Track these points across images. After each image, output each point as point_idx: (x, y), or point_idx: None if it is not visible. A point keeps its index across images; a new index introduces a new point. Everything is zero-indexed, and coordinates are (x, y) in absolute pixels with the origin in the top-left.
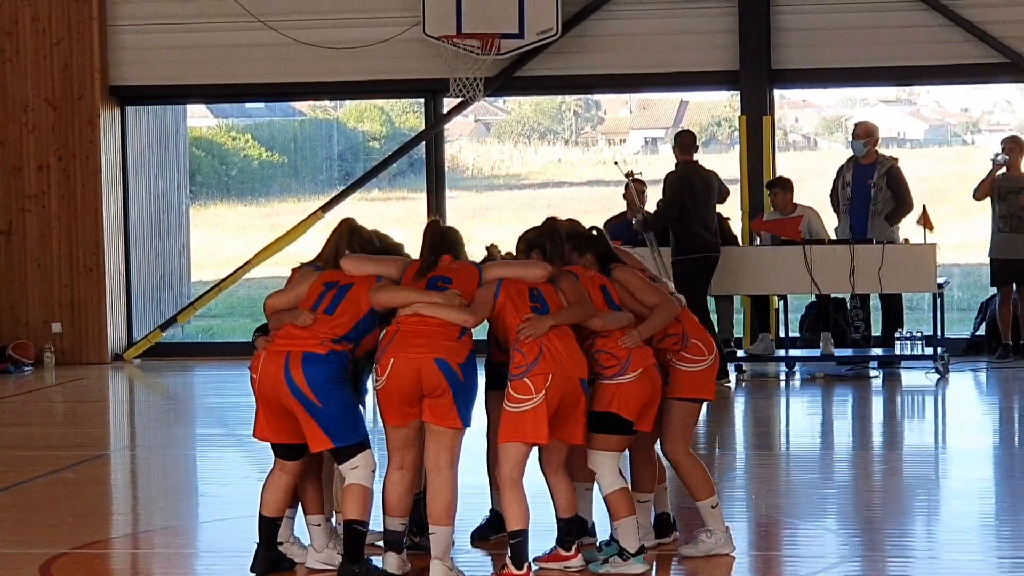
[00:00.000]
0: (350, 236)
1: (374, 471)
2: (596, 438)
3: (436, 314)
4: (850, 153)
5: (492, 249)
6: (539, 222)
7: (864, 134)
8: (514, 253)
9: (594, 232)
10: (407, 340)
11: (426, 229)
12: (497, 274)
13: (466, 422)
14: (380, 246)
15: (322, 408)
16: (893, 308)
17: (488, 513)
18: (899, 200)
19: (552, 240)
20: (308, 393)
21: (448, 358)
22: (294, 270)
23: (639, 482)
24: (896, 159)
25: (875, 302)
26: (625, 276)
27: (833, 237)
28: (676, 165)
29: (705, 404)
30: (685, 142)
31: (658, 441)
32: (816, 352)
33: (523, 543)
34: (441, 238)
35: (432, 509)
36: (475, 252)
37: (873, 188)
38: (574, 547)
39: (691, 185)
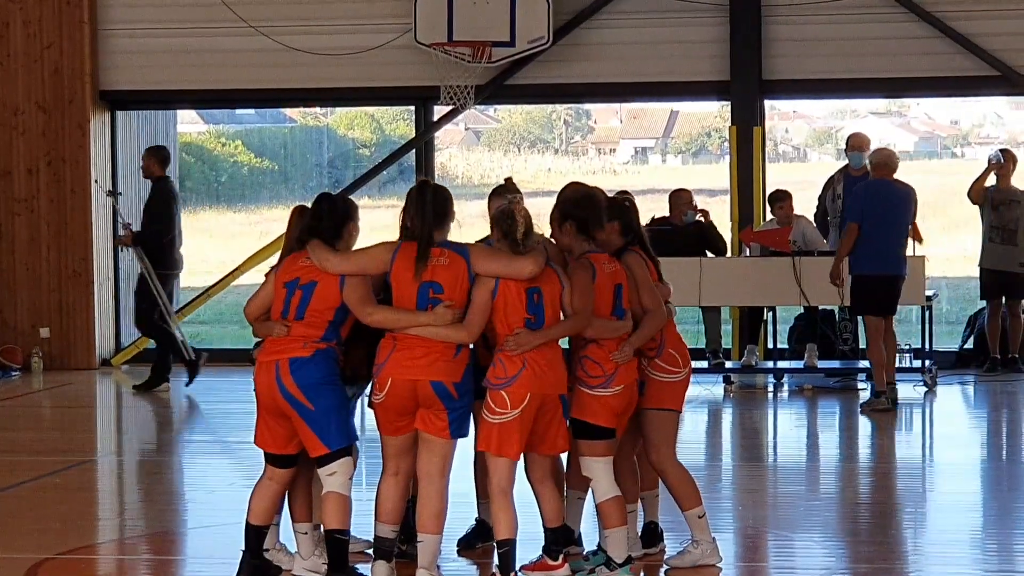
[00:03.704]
0: (300, 220)
1: (351, 478)
2: (581, 445)
3: (431, 336)
4: (839, 165)
5: (508, 182)
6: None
7: (862, 146)
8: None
9: (626, 203)
10: (403, 361)
11: (413, 193)
12: (487, 270)
13: (457, 435)
14: (331, 222)
15: (313, 410)
16: None
17: (474, 521)
18: None
19: (591, 211)
20: (299, 396)
21: (444, 379)
22: (267, 274)
23: (622, 491)
24: None
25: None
26: (633, 262)
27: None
28: (159, 182)
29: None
30: (163, 156)
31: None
32: (799, 364)
33: (511, 552)
34: (432, 208)
35: (421, 517)
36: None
37: None
38: (561, 556)
39: (177, 200)
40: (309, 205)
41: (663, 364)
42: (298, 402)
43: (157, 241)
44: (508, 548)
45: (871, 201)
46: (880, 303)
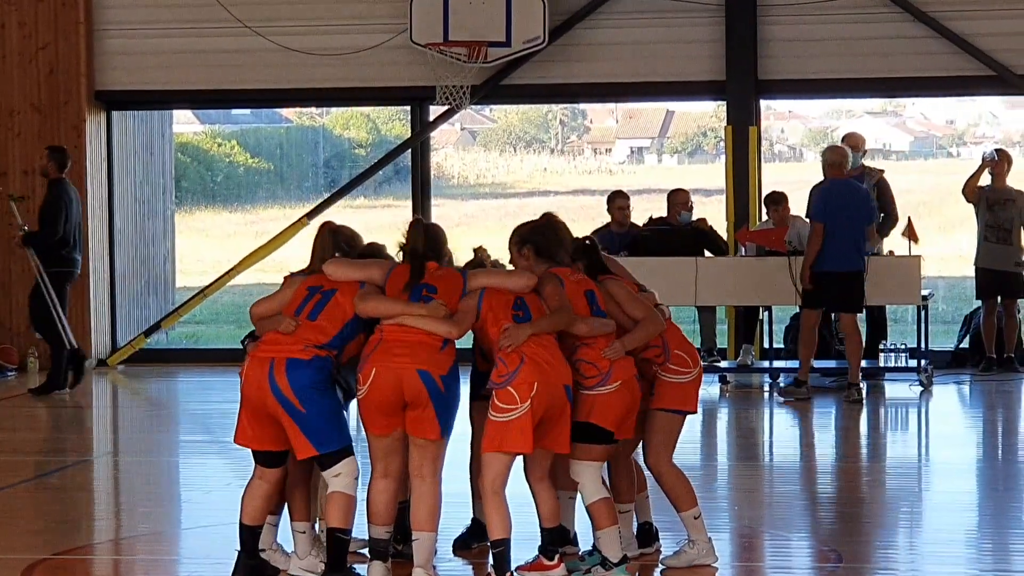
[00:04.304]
0: (333, 238)
1: (357, 478)
2: (577, 448)
3: (420, 326)
4: None
5: (479, 251)
6: None
7: (858, 146)
8: (501, 260)
9: (587, 242)
10: (390, 350)
11: (409, 229)
12: (481, 283)
13: (447, 433)
14: (364, 247)
15: (305, 414)
16: (877, 320)
17: (470, 522)
18: (888, 212)
19: (548, 236)
20: (292, 398)
21: (430, 369)
22: (286, 278)
23: (618, 492)
24: (883, 171)
25: (859, 314)
26: (614, 289)
27: None
28: (53, 184)
29: (697, 414)
30: (63, 160)
31: (638, 451)
32: (796, 363)
33: (505, 552)
34: (425, 239)
35: (416, 515)
36: (461, 259)
37: None
38: (557, 556)
39: (71, 201)
40: (337, 224)
41: (672, 366)
42: (290, 403)
43: (47, 243)
44: (503, 548)
45: (832, 200)
46: (838, 299)
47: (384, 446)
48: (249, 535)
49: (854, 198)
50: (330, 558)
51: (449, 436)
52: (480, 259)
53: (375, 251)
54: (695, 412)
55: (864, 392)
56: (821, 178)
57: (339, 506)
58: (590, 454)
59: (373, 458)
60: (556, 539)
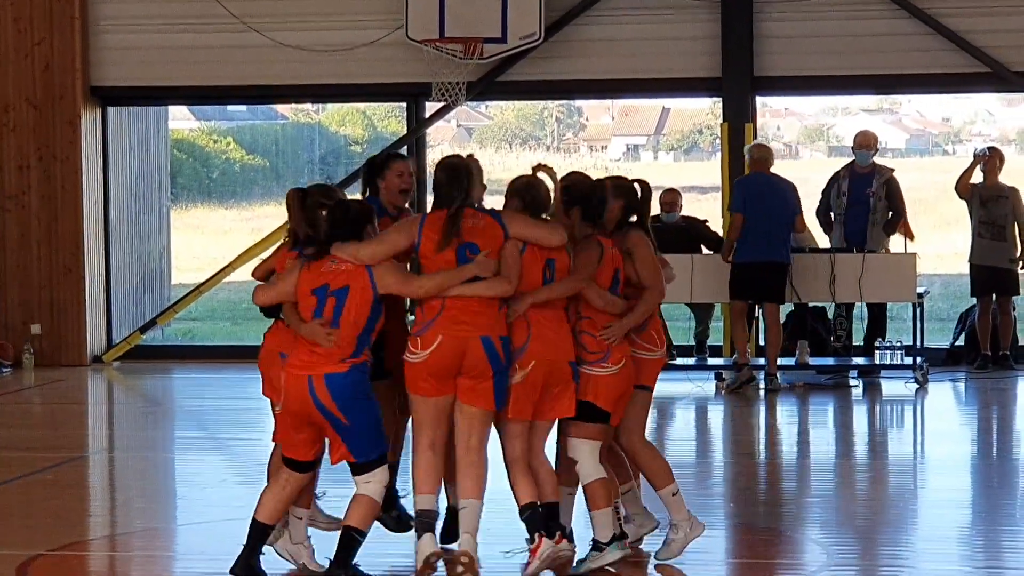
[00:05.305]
0: (306, 200)
1: (385, 486)
2: (574, 426)
3: (476, 293)
4: (831, 162)
5: (541, 169)
6: None
7: (869, 144)
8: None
9: (636, 184)
10: (455, 317)
11: (439, 167)
12: (519, 233)
13: (501, 404)
14: (350, 228)
15: (349, 426)
16: (877, 317)
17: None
18: (896, 211)
19: (597, 204)
20: (335, 411)
21: (491, 334)
22: (282, 251)
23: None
24: (893, 169)
25: (858, 311)
26: (636, 243)
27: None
28: None
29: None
30: None
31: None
32: (792, 360)
33: (535, 515)
34: (459, 175)
35: (463, 484)
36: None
37: (872, 198)
38: (537, 536)
39: None
40: (305, 189)
41: (642, 342)
42: (334, 416)
43: None
44: (532, 511)
45: (751, 193)
46: (759, 290)
47: (433, 410)
48: (260, 533)
49: (774, 191)
50: (338, 554)
51: (502, 408)
52: (532, 185)
53: (366, 211)
54: (653, 388)
55: (781, 383)
56: (817, 175)
57: (363, 507)
58: (587, 432)
59: (419, 425)
60: (534, 517)
